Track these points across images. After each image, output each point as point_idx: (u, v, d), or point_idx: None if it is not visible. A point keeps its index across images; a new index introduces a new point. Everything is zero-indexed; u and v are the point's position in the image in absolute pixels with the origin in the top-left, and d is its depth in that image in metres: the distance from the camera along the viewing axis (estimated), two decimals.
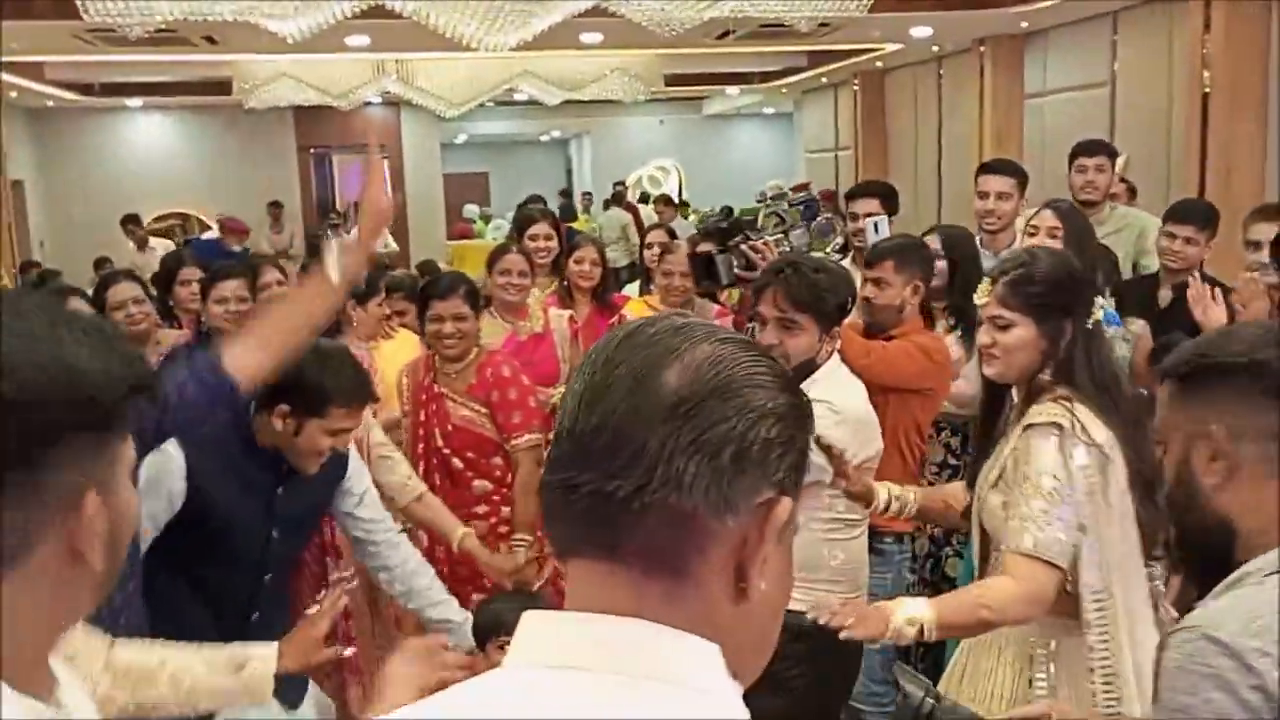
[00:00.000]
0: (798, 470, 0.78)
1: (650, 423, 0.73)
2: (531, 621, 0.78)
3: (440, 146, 16.05)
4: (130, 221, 11.72)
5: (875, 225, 3.86)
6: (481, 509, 3.37)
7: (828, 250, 5.84)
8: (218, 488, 2.26)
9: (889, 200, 4.04)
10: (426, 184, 15.58)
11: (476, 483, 3.39)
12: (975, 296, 2.16)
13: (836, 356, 2.60)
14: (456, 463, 3.38)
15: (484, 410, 3.38)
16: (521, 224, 4.55)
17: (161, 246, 11.21)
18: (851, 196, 4.21)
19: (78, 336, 0.84)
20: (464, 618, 2.55)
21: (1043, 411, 2.01)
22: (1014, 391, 2.16)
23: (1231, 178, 6.79)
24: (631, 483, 0.73)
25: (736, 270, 2.69)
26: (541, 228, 4.43)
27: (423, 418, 3.41)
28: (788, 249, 3.07)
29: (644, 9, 5.16)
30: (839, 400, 2.48)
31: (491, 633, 2.40)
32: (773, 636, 0.82)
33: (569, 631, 0.76)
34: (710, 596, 0.75)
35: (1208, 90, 7.03)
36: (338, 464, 2.51)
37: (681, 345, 0.76)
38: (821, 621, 1.87)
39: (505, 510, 3.38)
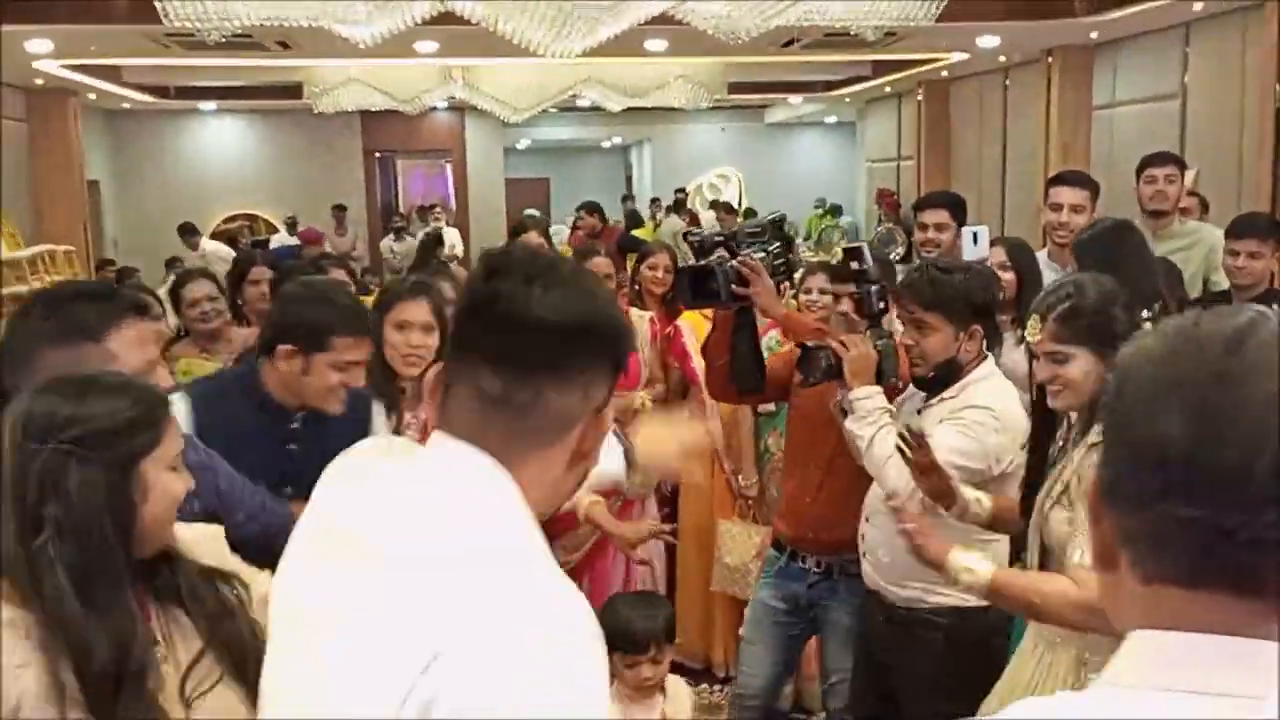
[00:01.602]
0: None
1: None
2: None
3: (503, 151, 16.22)
4: (186, 230, 11.96)
5: (975, 236, 3.83)
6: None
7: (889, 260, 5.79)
8: (224, 436, 2.21)
9: (958, 211, 4.01)
10: (489, 189, 15.75)
11: None
12: (1027, 333, 2.16)
13: (991, 360, 2.63)
14: None
15: None
16: (513, 233, 4.67)
17: (212, 250, 11.45)
18: (920, 207, 4.18)
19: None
20: None
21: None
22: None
23: None
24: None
25: (734, 287, 2.70)
26: (532, 237, 4.56)
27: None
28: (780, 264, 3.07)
29: (710, 17, 5.18)
30: (999, 407, 2.53)
31: (619, 648, 2.43)
32: None
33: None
34: None
35: None
36: (359, 417, 2.46)
37: None
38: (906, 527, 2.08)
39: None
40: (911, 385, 2.73)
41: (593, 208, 11.48)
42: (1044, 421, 2.26)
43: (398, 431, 2.91)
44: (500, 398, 1.05)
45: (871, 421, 2.56)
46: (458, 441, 1.06)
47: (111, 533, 1.37)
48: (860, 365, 2.62)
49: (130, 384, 1.49)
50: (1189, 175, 5.94)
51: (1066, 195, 3.89)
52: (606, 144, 19.45)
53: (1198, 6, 7.74)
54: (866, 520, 2.76)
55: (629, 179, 19.72)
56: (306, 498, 2.53)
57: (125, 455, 1.40)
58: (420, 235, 10.99)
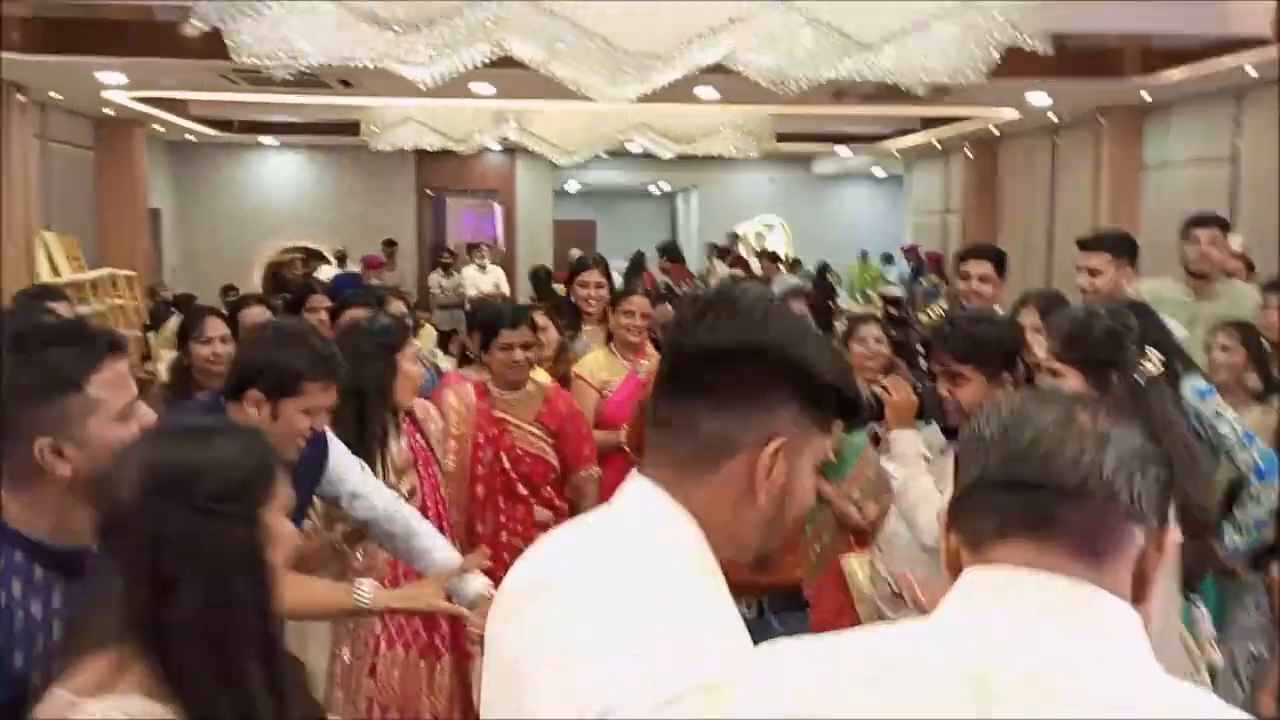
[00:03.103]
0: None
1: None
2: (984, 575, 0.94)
3: (552, 193, 16.45)
4: (228, 291, 12.10)
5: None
6: (539, 535, 3.49)
7: (931, 312, 5.81)
8: None
9: (1000, 263, 4.04)
10: (537, 229, 15.97)
11: (539, 511, 3.58)
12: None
13: None
14: (521, 488, 3.56)
15: (550, 440, 3.58)
16: (574, 270, 4.72)
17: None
18: (963, 258, 4.21)
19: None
20: (450, 559, 2.56)
21: None
22: None
23: None
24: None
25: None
26: (593, 275, 4.58)
27: (482, 440, 3.55)
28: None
29: (761, 67, 5.28)
30: None
31: None
32: None
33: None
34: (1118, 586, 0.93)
35: None
36: (316, 453, 2.47)
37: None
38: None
39: None
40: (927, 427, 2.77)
41: (673, 252, 11.75)
42: None
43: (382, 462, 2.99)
44: (663, 420, 1.11)
45: (910, 464, 2.60)
46: (640, 481, 1.12)
47: (250, 596, 1.28)
48: (903, 409, 2.66)
49: (236, 426, 1.46)
50: (1235, 238, 5.91)
51: (1089, 260, 3.88)
52: (654, 189, 19.66)
53: (1251, 71, 7.74)
54: (879, 550, 2.81)
55: (675, 225, 19.89)
56: None
57: (255, 506, 1.32)
58: (631, 257, 11.77)
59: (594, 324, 4.54)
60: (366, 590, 2.29)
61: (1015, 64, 5.36)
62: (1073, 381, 2.13)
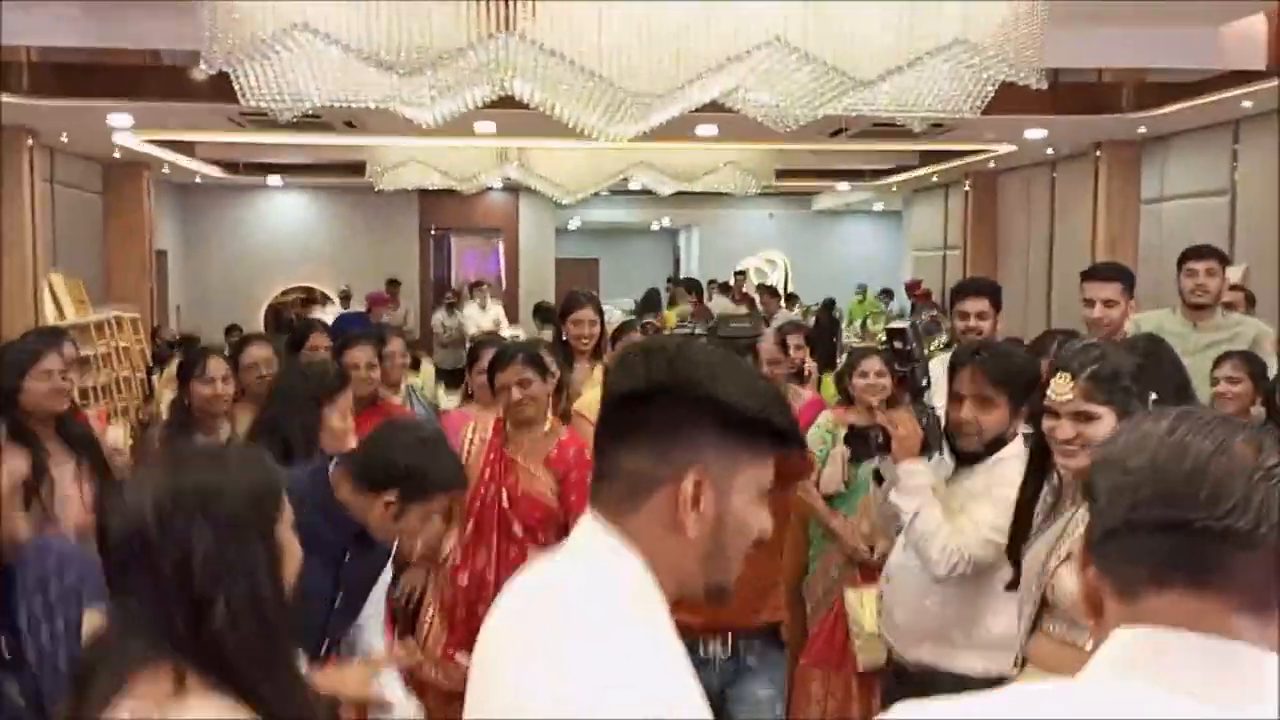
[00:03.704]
0: None
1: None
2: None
3: (554, 231, 16.55)
4: (231, 331, 12.16)
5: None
6: None
7: (932, 348, 5.84)
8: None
9: (995, 298, 4.04)
10: (539, 267, 16.05)
11: (535, 553, 3.48)
12: (1052, 391, 2.18)
13: (1021, 438, 2.69)
14: (517, 528, 3.46)
15: (554, 485, 3.47)
16: (565, 307, 4.59)
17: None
18: (959, 294, 4.18)
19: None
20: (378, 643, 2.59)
21: None
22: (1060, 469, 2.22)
23: None
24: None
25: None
26: (586, 313, 4.49)
27: (487, 476, 3.48)
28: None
29: (760, 105, 5.34)
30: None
31: None
32: None
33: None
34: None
35: None
36: (387, 548, 2.54)
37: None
38: None
39: None
40: (940, 453, 2.78)
41: (691, 285, 11.81)
42: (1036, 476, 2.31)
43: None
44: (597, 463, 1.18)
45: (919, 497, 2.62)
46: (587, 519, 1.17)
47: (273, 605, 1.35)
48: (910, 442, 2.67)
49: (242, 449, 1.53)
50: (1235, 271, 5.94)
51: (1098, 290, 3.89)
52: (655, 226, 19.78)
53: (1247, 104, 7.82)
54: (887, 580, 2.80)
55: (677, 261, 19.98)
56: (350, 606, 2.49)
57: (270, 521, 1.40)
58: (645, 293, 12.09)
59: (586, 361, 4.53)
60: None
61: (1012, 99, 5.42)
62: (1108, 422, 2.10)
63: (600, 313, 4.63)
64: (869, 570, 3.67)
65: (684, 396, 1.11)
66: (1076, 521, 2.14)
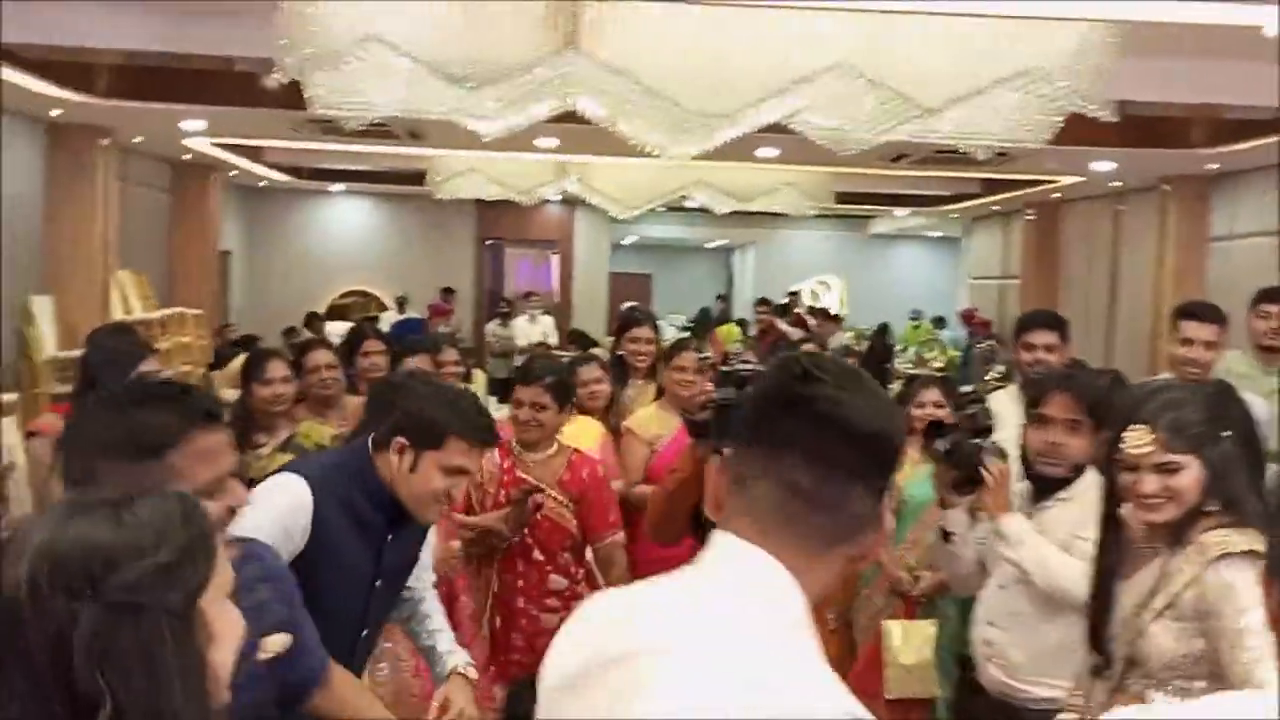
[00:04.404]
0: None
1: None
2: None
3: (610, 246, 16.62)
4: (289, 333, 12.30)
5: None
6: (553, 602, 3.44)
7: (987, 379, 5.74)
8: (335, 527, 2.19)
9: (1065, 331, 3.95)
10: (593, 281, 16.12)
11: (554, 578, 3.47)
12: (1129, 445, 2.07)
13: (1091, 469, 2.65)
14: (537, 553, 3.45)
15: (570, 505, 3.45)
16: (623, 324, 4.64)
17: (333, 330, 11.94)
18: (1025, 327, 4.10)
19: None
20: (448, 649, 2.52)
21: (1227, 540, 1.99)
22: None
23: None
24: None
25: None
26: (644, 331, 4.53)
27: (503, 499, 3.45)
28: None
29: (822, 128, 5.32)
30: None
31: None
32: None
33: None
34: None
35: None
36: (425, 531, 2.48)
37: None
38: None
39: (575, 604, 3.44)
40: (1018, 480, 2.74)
41: (764, 302, 11.87)
42: (1114, 537, 2.22)
43: None
44: (812, 493, 1.12)
45: (1031, 544, 2.57)
46: (751, 548, 1.12)
47: (182, 701, 1.01)
48: (1006, 495, 2.64)
49: (164, 493, 1.13)
50: None
51: (1200, 331, 3.77)
52: (710, 245, 19.77)
53: None
54: (990, 625, 2.71)
55: (730, 280, 19.95)
56: (390, 588, 2.44)
57: (187, 594, 1.05)
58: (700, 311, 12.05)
59: (641, 379, 4.57)
60: None
61: (1079, 130, 5.35)
62: (1193, 472, 2.03)
63: (656, 330, 4.67)
64: (910, 603, 3.64)
65: None
66: (1171, 573, 2.07)
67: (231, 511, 1.62)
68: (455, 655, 2.50)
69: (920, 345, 13.74)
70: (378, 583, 2.32)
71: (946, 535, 2.74)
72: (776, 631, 1.07)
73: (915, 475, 3.48)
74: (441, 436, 2.21)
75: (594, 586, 3.47)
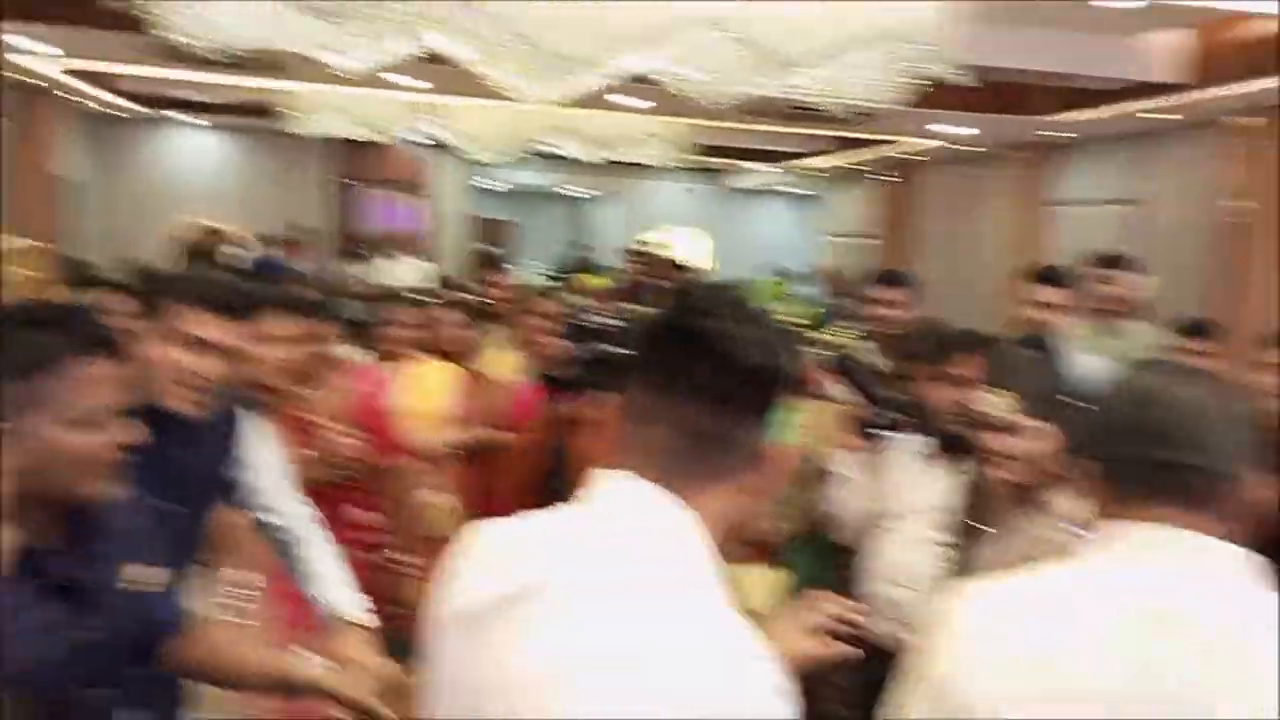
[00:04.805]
0: None
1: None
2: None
3: (471, 190, 16.33)
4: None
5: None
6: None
7: (835, 334, 5.86)
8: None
9: (912, 288, 4.07)
10: (455, 226, 15.84)
11: (352, 511, 3.45)
12: (989, 406, 2.16)
13: None
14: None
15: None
16: (483, 268, 4.71)
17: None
18: (874, 283, 4.21)
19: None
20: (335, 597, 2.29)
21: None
22: None
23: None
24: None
25: None
26: (502, 276, 4.64)
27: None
28: None
29: (684, 80, 5.33)
30: None
31: None
32: None
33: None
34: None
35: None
36: (222, 420, 2.25)
37: None
38: None
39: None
40: None
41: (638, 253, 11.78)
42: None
43: None
44: (708, 432, 1.12)
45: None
46: (640, 482, 1.12)
47: None
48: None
49: None
50: (1152, 280, 6.11)
51: (1050, 294, 3.94)
52: (574, 193, 19.65)
53: (1167, 115, 8.02)
54: (895, 585, 2.77)
55: (593, 229, 19.91)
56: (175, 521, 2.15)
57: None
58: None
59: (500, 323, 4.57)
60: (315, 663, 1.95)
61: (936, 94, 5.50)
62: (1041, 434, 2.11)
63: (505, 275, 4.69)
64: (762, 547, 3.76)
65: None
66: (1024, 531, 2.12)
67: (117, 448, 1.53)
68: (343, 603, 2.26)
69: (779, 301, 14.00)
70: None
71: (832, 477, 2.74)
72: (678, 562, 1.09)
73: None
74: (160, 302, 2.15)
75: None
